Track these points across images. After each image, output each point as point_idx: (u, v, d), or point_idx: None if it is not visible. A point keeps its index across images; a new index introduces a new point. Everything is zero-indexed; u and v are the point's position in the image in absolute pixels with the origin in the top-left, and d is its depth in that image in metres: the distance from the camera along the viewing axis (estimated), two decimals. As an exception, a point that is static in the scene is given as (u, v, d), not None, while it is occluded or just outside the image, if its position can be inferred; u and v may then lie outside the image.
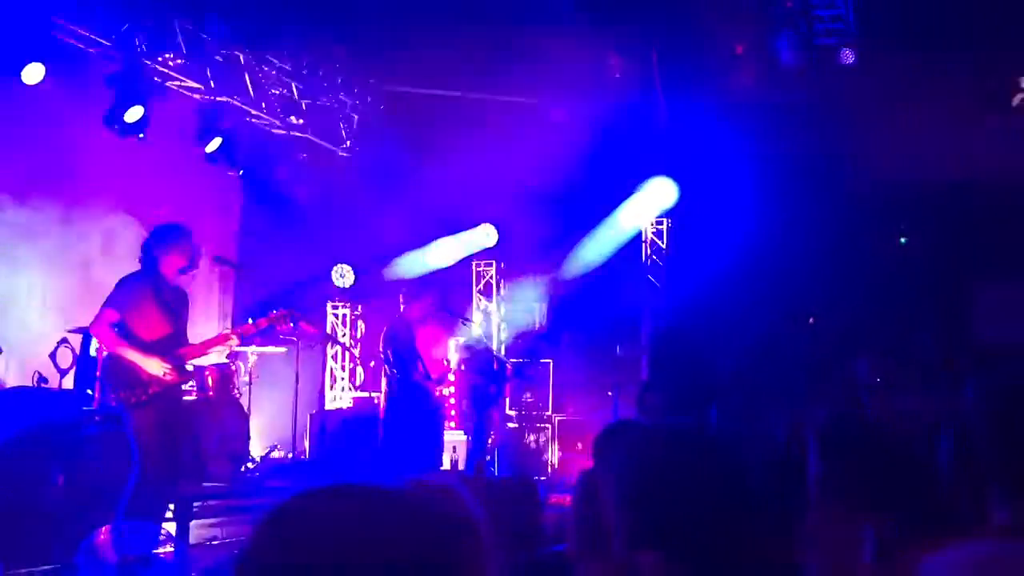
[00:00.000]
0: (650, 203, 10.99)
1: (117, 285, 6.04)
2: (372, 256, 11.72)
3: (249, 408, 9.63)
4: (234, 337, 6.40)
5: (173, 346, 6.09)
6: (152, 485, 5.80)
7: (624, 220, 11.12)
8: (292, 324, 6.66)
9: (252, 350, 9.72)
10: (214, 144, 9.76)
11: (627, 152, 10.48)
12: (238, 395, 9.37)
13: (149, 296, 6.04)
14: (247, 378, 9.71)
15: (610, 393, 10.14)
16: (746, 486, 1.75)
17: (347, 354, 12.16)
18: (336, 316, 12.24)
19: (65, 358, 8.29)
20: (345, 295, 12.14)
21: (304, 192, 10.99)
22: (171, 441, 5.98)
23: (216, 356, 7.72)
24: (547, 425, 11.00)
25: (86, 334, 7.83)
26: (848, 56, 8.45)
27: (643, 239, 11.33)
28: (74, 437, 7.44)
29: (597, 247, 11.11)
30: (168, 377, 5.96)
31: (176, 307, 6.20)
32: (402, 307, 8.63)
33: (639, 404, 6.12)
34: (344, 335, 12.19)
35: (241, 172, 10.40)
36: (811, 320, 10.25)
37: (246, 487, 8.73)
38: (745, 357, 10.11)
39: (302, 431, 10.45)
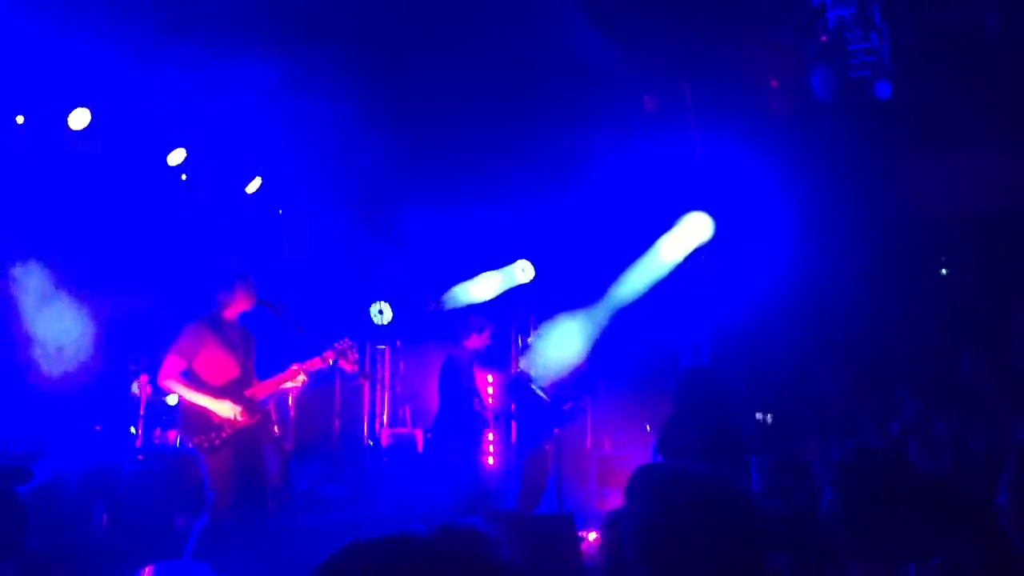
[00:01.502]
0: (687, 237, 10.97)
1: (182, 332, 6.10)
2: (409, 292, 11.80)
3: (290, 444, 9.71)
4: (302, 372, 6.35)
5: (242, 387, 6.14)
6: (228, 527, 5.85)
7: (662, 254, 11.11)
8: (348, 358, 6.64)
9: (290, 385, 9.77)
10: (254, 185, 9.98)
11: (663, 186, 10.50)
12: (277, 432, 9.45)
13: (215, 340, 6.11)
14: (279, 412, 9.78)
15: (648, 428, 10.00)
16: (761, 540, 1.76)
17: (387, 392, 12.19)
18: (374, 354, 12.31)
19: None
20: (385, 332, 12.23)
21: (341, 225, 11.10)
22: (249, 483, 6.03)
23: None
24: (587, 460, 10.92)
25: (153, 382, 7.94)
26: (884, 89, 8.41)
27: (680, 273, 11.28)
28: (117, 476, 7.57)
29: (635, 281, 11.07)
30: (240, 419, 6.00)
31: (242, 348, 6.25)
32: (462, 339, 8.59)
33: (660, 443, 6.05)
34: (384, 373, 12.27)
35: (281, 211, 10.56)
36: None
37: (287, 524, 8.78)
38: (783, 390, 10.04)
39: (344, 468, 10.51)
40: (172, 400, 8.09)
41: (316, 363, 6.40)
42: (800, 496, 5.77)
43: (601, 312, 11.09)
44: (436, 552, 1.28)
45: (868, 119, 9.17)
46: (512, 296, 12.01)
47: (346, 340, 6.54)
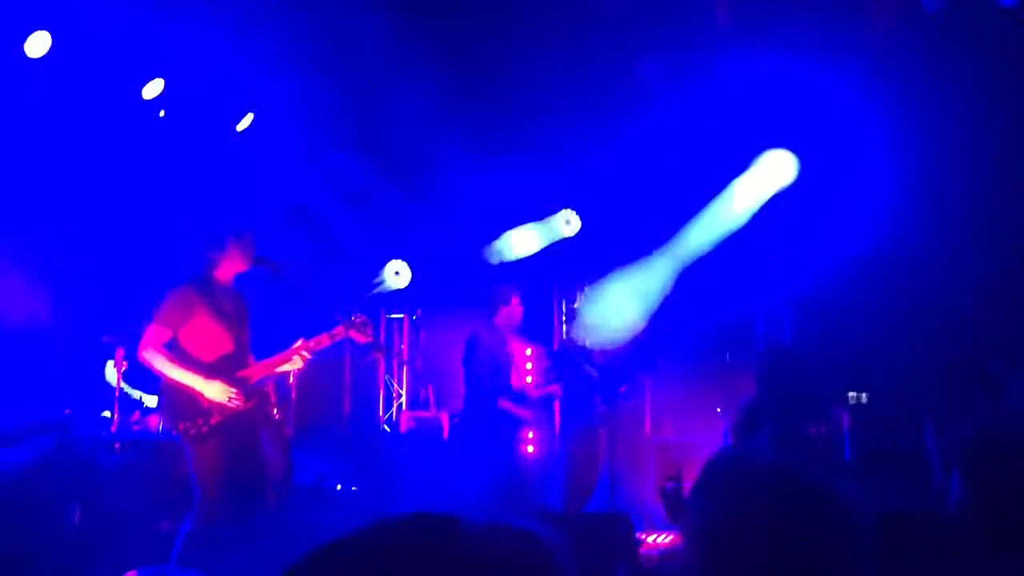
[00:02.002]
0: (764, 181, 10.80)
1: (165, 297, 6.05)
2: (432, 249, 11.75)
3: (291, 430, 9.71)
4: (306, 351, 6.31)
5: (236, 365, 6.15)
6: (220, 528, 5.88)
7: (734, 202, 10.94)
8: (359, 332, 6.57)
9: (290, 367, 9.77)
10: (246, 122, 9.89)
11: (737, 120, 10.32)
12: (276, 415, 9.42)
13: (205, 307, 6.08)
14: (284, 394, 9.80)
15: (719, 410, 10.05)
16: (859, 548, 1.72)
17: (405, 369, 12.20)
18: (391, 323, 12.31)
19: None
20: (402, 298, 12.18)
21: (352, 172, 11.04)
22: (243, 477, 6.07)
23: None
24: (645, 449, 10.89)
25: (131, 357, 7.94)
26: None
27: (756, 225, 11.13)
28: (90, 469, 7.58)
29: (701, 235, 10.92)
30: (233, 402, 5.98)
31: (237, 319, 6.24)
32: (491, 310, 8.56)
33: (735, 430, 5.96)
34: (401, 346, 12.24)
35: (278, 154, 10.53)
36: None
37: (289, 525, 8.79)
38: (877, 361, 9.92)
39: (356, 458, 10.50)
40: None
41: (324, 340, 6.36)
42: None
43: (661, 273, 10.95)
44: (487, 552, 1.27)
45: (988, 33, 8.93)
46: (555, 253, 11.92)
47: (360, 315, 6.53)
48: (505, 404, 8.46)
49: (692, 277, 10.85)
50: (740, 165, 10.81)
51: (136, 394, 8.79)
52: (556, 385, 9.49)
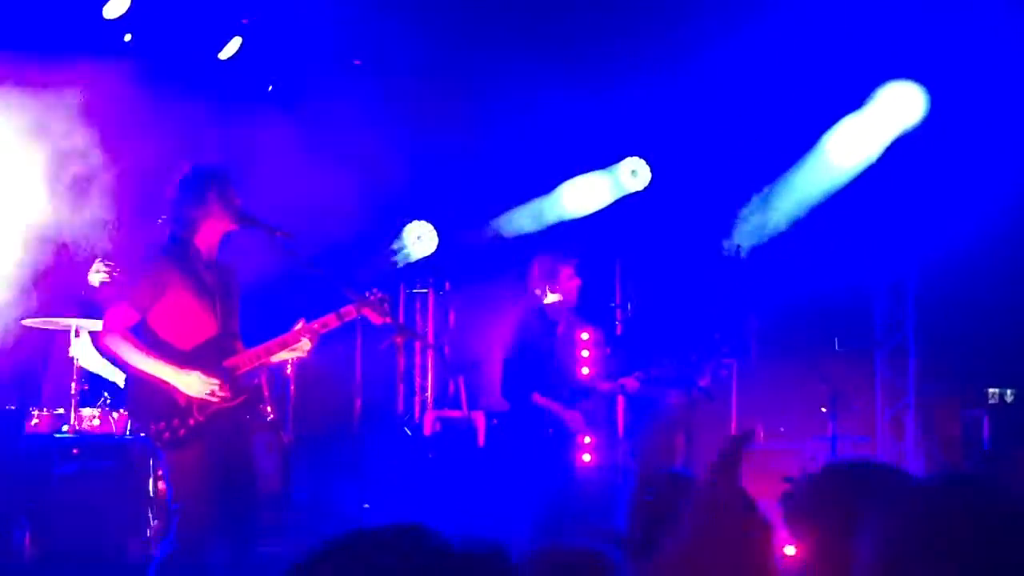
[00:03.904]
0: (885, 122, 10.69)
1: (133, 268, 6.14)
2: (466, 210, 11.76)
3: (290, 434, 9.78)
4: (306, 336, 6.26)
5: (221, 353, 6.09)
6: (202, 553, 5.83)
7: (846, 150, 10.84)
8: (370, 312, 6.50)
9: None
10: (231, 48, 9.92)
11: (848, 44, 10.21)
12: (271, 415, 9.45)
13: (182, 281, 6.03)
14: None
15: (824, 410, 9.99)
16: None
17: (430, 357, 12.25)
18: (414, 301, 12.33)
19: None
20: (426, 268, 12.18)
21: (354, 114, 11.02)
22: (230, 491, 5.98)
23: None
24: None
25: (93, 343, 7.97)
26: None
27: (874, 178, 11.06)
28: (43, 481, 7.62)
29: (801, 190, 10.90)
30: (217, 399, 5.96)
31: (222, 295, 6.17)
32: (539, 285, 8.50)
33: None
34: (425, 328, 12.29)
35: (271, 87, 10.54)
36: None
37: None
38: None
39: (369, 467, 10.52)
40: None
41: (331, 321, 6.31)
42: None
43: (752, 237, 10.91)
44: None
45: None
46: (619, 212, 11.86)
47: (375, 291, 6.47)
48: (540, 400, 8.40)
49: (793, 243, 10.82)
50: (853, 102, 10.73)
51: (109, 375, 8.75)
52: (623, 379, 9.46)
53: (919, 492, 2.12)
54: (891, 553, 1.98)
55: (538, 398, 8.34)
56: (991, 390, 10.16)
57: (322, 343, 6.51)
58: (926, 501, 2.05)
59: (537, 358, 8.39)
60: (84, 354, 8.44)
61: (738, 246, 10.84)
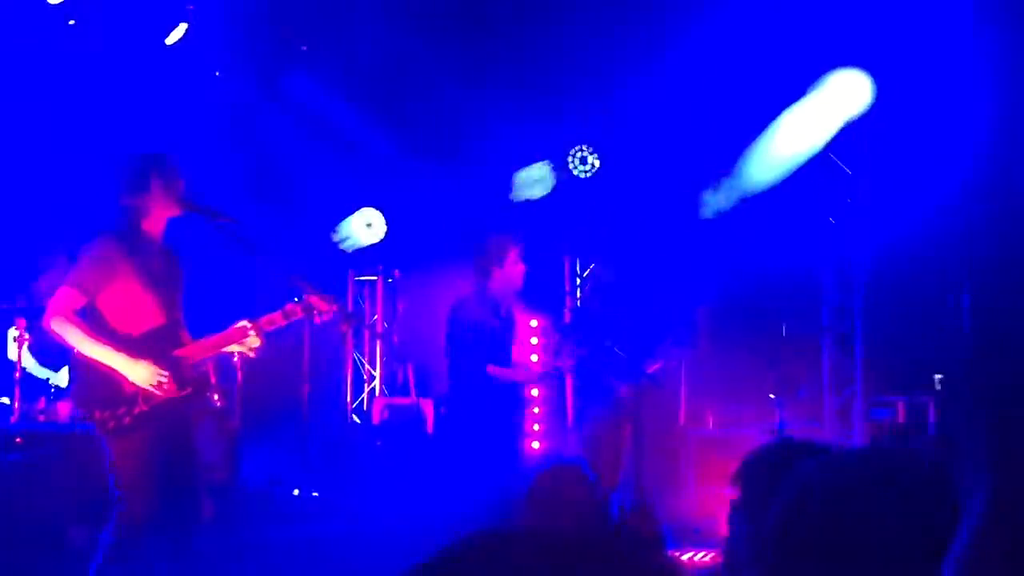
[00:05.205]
0: (833, 108, 10.73)
1: (81, 252, 6.03)
2: (416, 195, 11.71)
3: (237, 421, 9.78)
4: (253, 332, 6.29)
5: (169, 342, 6.09)
6: (147, 543, 5.83)
7: (794, 133, 10.86)
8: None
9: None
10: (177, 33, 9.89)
11: (798, 33, 10.28)
12: (218, 402, 9.47)
13: (130, 268, 6.01)
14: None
15: (772, 396, 10.16)
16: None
17: (379, 344, 12.24)
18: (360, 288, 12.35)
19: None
20: (375, 255, 12.19)
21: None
22: (176, 480, 6.01)
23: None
24: (680, 444, 10.89)
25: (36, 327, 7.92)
26: None
27: (820, 163, 11.10)
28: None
29: (748, 177, 10.88)
30: (164, 387, 5.95)
31: (169, 283, 6.19)
32: (483, 269, 8.52)
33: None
34: (374, 316, 12.29)
35: (218, 73, 10.56)
36: None
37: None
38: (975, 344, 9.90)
39: (318, 456, 10.53)
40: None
41: (276, 320, 6.36)
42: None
43: (699, 222, 10.93)
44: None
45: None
46: (566, 199, 11.87)
47: (325, 296, 6.50)
48: (496, 371, 8.41)
49: (740, 230, 10.83)
50: (800, 89, 10.74)
51: (43, 373, 8.78)
52: (568, 363, 9.47)
53: (824, 463, 2.16)
54: (783, 521, 2.03)
55: (493, 369, 8.37)
56: (937, 376, 10.18)
57: (267, 334, 6.45)
58: (824, 470, 2.10)
59: (483, 338, 8.41)
60: (23, 357, 8.48)
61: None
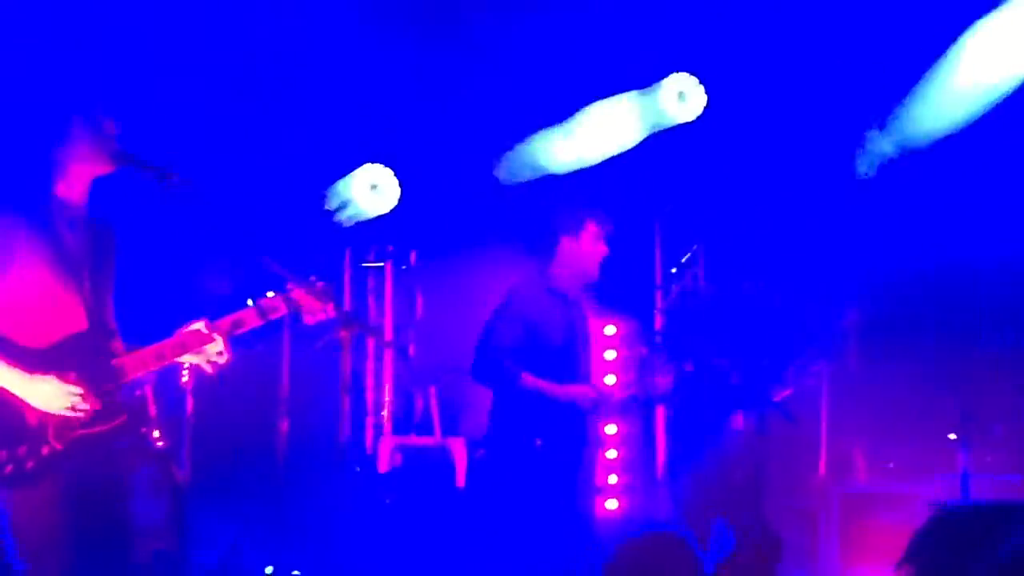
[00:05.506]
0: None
1: None
2: (437, 148, 11.64)
3: (186, 468, 9.89)
4: (217, 337, 6.37)
5: (91, 353, 6.11)
6: None
7: (981, 64, 10.61)
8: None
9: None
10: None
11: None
12: (160, 441, 9.32)
13: (36, 250, 6.10)
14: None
15: (953, 436, 10.03)
16: None
17: (388, 357, 12.30)
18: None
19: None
20: (383, 230, 12.09)
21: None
22: (98, 548, 6.04)
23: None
24: (820, 501, 10.89)
25: None
26: None
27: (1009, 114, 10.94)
28: None
29: (931, 120, 10.70)
30: (81, 416, 5.99)
31: (93, 269, 6.25)
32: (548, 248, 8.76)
33: None
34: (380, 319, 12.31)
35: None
36: None
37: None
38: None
39: (298, 517, 10.60)
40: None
41: (247, 320, 6.50)
42: None
43: (850, 187, 10.90)
44: None
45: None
46: (656, 155, 11.72)
47: (312, 279, 6.60)
48: (553, 390, 8.73)
49: (912, 195, 10.86)
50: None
51: None
52: (658, 385, 9.75)
53: None
54: None
55: (529, 379, 8.57)
56: None
57: (234, 340, 6.52)
58: None
59: (536, 338, 8.69)
60: None
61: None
